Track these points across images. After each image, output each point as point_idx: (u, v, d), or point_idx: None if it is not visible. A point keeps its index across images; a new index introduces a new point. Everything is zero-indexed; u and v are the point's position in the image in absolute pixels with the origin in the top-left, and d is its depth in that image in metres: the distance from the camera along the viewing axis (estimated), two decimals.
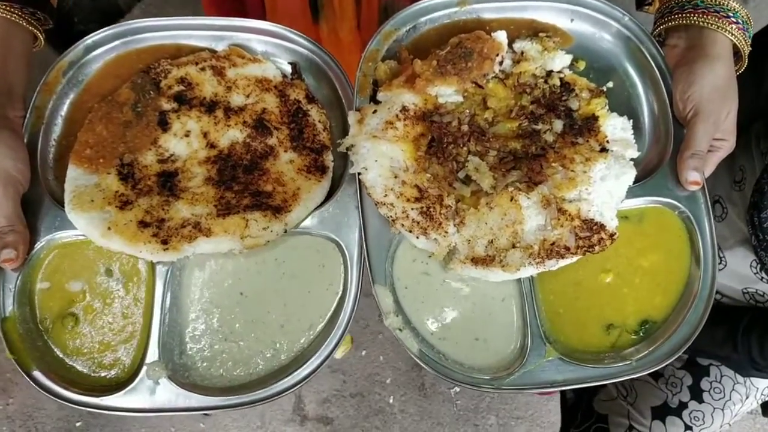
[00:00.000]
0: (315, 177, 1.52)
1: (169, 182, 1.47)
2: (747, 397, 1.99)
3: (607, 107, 1.55)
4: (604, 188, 1.43)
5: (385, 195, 1.40)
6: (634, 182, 1.46)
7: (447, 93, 1.52)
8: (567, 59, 1.59)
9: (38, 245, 1.46)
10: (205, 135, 1.53)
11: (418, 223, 1.39)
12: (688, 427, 1.98)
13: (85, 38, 1.58)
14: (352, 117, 1.49)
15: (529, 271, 1.39)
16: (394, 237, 1.47)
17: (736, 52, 1.53)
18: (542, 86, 1.56)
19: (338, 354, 1.73)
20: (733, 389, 1.96)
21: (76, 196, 1.43)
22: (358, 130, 1.47)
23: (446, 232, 1.40)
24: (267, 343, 1.47)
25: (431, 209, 1.40)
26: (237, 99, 1.58)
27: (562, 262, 1.40)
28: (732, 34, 1.48)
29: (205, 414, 1.90)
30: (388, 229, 1.45)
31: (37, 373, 1.39)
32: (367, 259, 1.44)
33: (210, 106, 1.56)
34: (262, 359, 1.47)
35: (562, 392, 2.30)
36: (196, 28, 1.62)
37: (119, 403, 1.40)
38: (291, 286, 1.49)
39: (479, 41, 1.53)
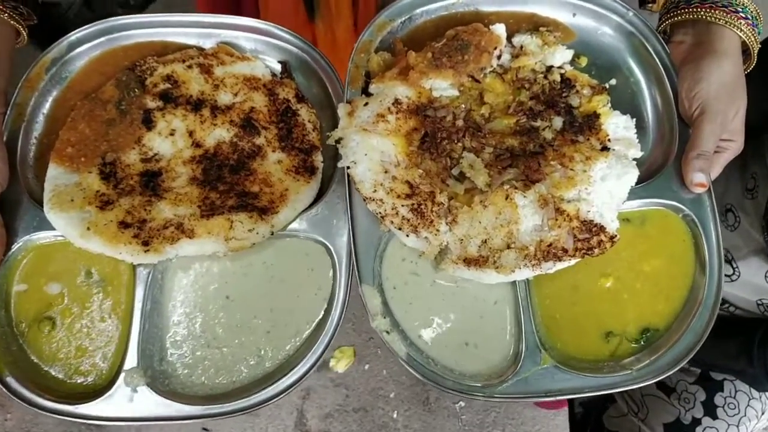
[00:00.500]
0: (303, 178, 1.54)
1: (152, 182, 1.49)
2: (763, 413, 1.97)
3: (609, 105, 1.56)
4: (605, 188, 1.44)
5: (375, 190, 1.41)
6: (637, 183, 1.47)
7: (442, 86, 1.54)
8: (568, 54, 1.60)
9: (15, 246, 1.48)
10: (190, 134, 1.55)
11: (409, 220, 1.40)
12: None
13: (68, 34, 1.60)
14: (342, 109, 1.50)
15: (524, 273, 1.39)
16: (384, 235, 1.47)
17: (745, 50, 1.54)
18: (542, 82, 1.57)
19: (341, 368, 1.75)
20: (748, 405, 1.94)
21: (56, 195, 1.45)
22: (348, 122, 1.48)
23: (438, 231, 1.41)
24: (251, 350, 1.48)
25: (422, 206, 1.40)
26: (224, 98, 1.60)
27: (560, 265, 1.40)
28: (741, 30, 1.49)
29: (204, 429, 1.90)
30: (377, 227, 1.47)
31: (9, 379, 1.40)
32: (354, 258, 1.45)
33: (196, 105, 1.58)
34: (246, 366, 1.47)
35: (571, 407, 2.28)
36: (184, 25, 1.65)
37: (95, 411, 1.40)
38: (279, 290, 1.50)
39: (477, 34, 1.54)
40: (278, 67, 1.66)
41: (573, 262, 1.41)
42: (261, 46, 1.66)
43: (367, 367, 1.91)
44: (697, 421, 1.98)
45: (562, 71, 1.59)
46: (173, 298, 1.50)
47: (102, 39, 1.63)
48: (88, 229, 1.40)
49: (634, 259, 1.51)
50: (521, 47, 1.60)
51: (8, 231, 1.47)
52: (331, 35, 2.01)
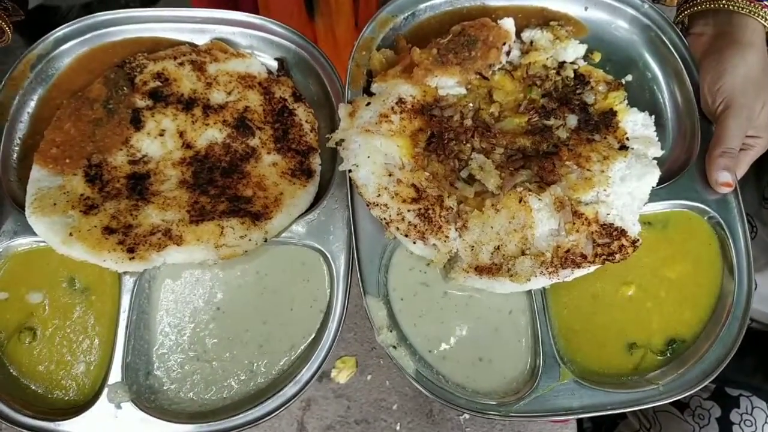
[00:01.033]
0: (300, 181, 1.39)
1: (139, 185, 1.35)
2: None
3: (626, 101, 1.41)
4: (625, 190, 1.30)
5: (379, 195, 1.26)
6: (658, 184, 1.33)
7: (448, 84, 1.40)
8: (581, 49, 1.46)
9: None
10: (181, 134, 1.41)
11: (416, 226, 1.25)
12: None
13: (55, 30, 1.47)
14: (343, 109, 1.36)
15: (540, 282, 1.25)
16: (389, 243, 1.33)
17: None
18: (554, 78, 1.43)
19: (342, 378, 1.62)
20: (765, 422, 1.78)
21: (38, 198, 1.32)
22: (349, 123, 1.34)
23: (447, 237, 1.25)
24: (243, 364, 1.33)
25: (430, 211, 1.26)
26: (217, 96, 1.46)
27: (578, 273, 1.26)
28: (765, 19, 1.35)
29: None
30: (382, 234, 1.31)
31: None
32: (357, 268, 1.30)
33: (188, 104, 1.44)
34: (237, 382, 1.33)
35: (579, 421, 2.12)
36: (176, 20, 1.52)
37: (76, 429, 1.26)
38: (272, 302, 1.36)
39: (484, 29, 1.41)
40: (275, 65, 1.53)
41: (592, 269, 1.27)
42: (257, 43, 1.52)
43: (369, 377, 1.78)
44: None
45: (576, 67, 1.46)
46: (161, 309, 1.36)
47: (90, 35, 1.50)
48: (71, 234, 1.27)
49: (657, 265, 1.36)
50: (531, 42, 1.47)
51: None
52: (331, 34, 1.86)
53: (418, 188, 1.27)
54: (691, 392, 1.26)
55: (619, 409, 1.26)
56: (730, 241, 1.34)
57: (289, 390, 1.28)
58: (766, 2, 1.34)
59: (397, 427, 1.74)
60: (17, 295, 1.34)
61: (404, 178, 1.27)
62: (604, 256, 1.24)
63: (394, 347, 1.26)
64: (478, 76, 1.40)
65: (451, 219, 1.26)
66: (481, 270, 1.23)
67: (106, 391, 1.27)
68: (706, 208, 1.36)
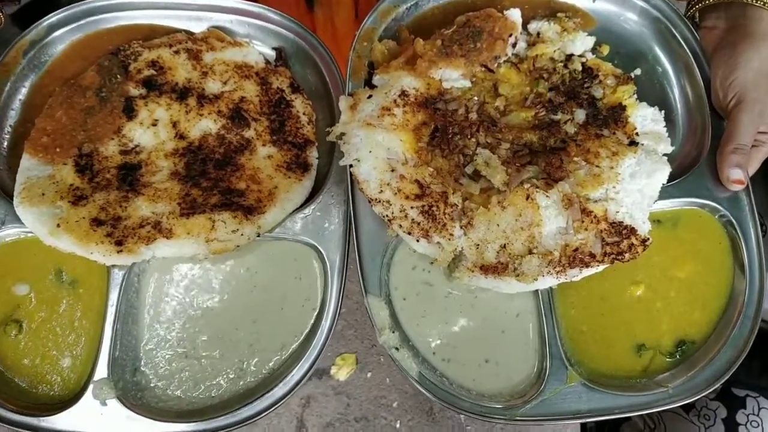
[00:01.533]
0: (296, 175, 1.29)
1: (130, 176, 1.24)
2: None
3: (636, 96, 1.31)
4: (635, 187, 1.20)
5: (381, 191, 1.16)
6: (668, 180, 1.22)
7: (453, 77, 1.29)
8: (589, 42, 1.36)
9: None
10: (174, 124, 1.31)
11: (419, 224, 1.15)
12: None
13: (48, 15, 1.37)
14: (343, 102, 1.26)
15: (547, 281, 1.15)
16: (391, 240, 1.22)
17: None
18: (561, 71, 1.33)
19: (342, 376, 1.53)
20: None
21: (27, 188, 1.22)
22: (350, 116, 1.23)
23: (451, 235, 1.15)
24: (233, 363, 1.23)
25: (434, 208, 1.15)
26: (213, 86, 1.35)
27: (586, 272, 1.16)
28: None
29: None
30: (384, 232, 1.21)
31: None
32: (358, 266, 1.20)
33: (182, 93, 1.33)
34: (226, 380, 1.23)
35: None
36: (173, 7, 1.41)
37: (60, 425, 1.17)
38: (262, 300, 1.25)
39: (490, 20, 1.30)
40: (273, 54, 1.42)
41: (601, 268, 1.17)
42: (255, 32, 1.42)
43: (369, 375, 1.68)
44: None
45: (584, 60, 1.35)
46: (150, 304, 1.26)
47: (84, 21, 1.39)
48: (58, 226, 1.18)
49: (667, 264, 1.27)
50: (538, 34, 1.36)
51: None
52: (330, 24, 1.75)
53: (422, 184, 1.17)
54: (702, 395, 1.17)
55: (627, 413, 1.17)
56: (742, 240, 1.25)
57: (279, 390, 1.19)
58: None
59: (397, 425, 1.66)
60: (3, 286, 1.24)
61: (407, 174, 1.17)
62: (614, 256, 1.15)
63: (397, 349, 1.17)
64: (483, 69, 1.30)
65: (456, 216, 1.15)
66: (486, 269, 1.13)
67: (91, 387, 1.17)
68: (717, 206, 1.26)
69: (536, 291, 1.21)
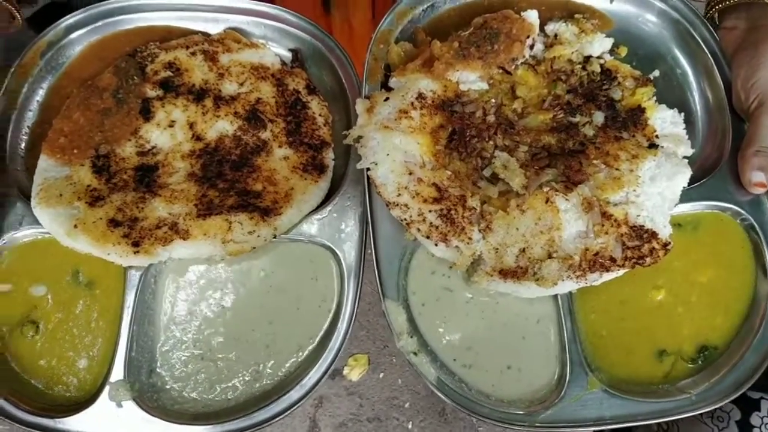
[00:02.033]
0: (312, 177, 1.23)
1: (147, 177, 1.19)
2: None
3: (655, 98, 1.24)
4: (655, 190, 1.14)
5: (399, 194, 1.10)
6: (688, 183, 1.16)
7: (470, 79, 1.23)
8: (608, 43, 1.29)
9: (0, 242, 1.20)
10: (191, 126, 1.25)
11: (437, 227, 1.09)
12: None
13: (66, 17, 1.32)
14: (360, 105, 1.20)
15: (567, 286, 1.09)
16: (409, 244, 1.17)
17: None
18: (580, 73, 1.26)
19: (355, 376, 1.51)
20: None
21: (44, 189, 1.18)
22: (367, 119, 1.17)
23: (470, 239, 1.09)
24: (249, 365, 1.18)
25: (452, 212, 1.10)
26: (229, 87, 1.30)
27: (607, 276, 1.10)
28: None
29: None
30: (402, 235, 1.15)
31: None
32: (376, 270, 1.14)
33: (199, 95, 1.27)
34: (242, 383, 1.18)
35: None
36: (190, 9, 1.36)
37: (75, 426, 1.12)
38: (278, 301, 1.20)
39: (507, 21, 1.24)
40: (289, 56, 1.36)
41: (621, 272, 1.11)
42: (271, 33, 1.36)
43: (381, 375, 1.65)
44: None
45: (602, 61, 1.28)
46: (166, 305, 1.20)
47: (101, 23, 1.34)
48: (75, 226, 1.13)
49: (688, 268, 1.20)
50: (555, 36, 1.30)
51: None
52: (347, 26, 1.69)
53: (440, 187, 1.11)
54: (725, 402, 1.10)
55: (650, 420, 1.11)
56: (764, 243, 1.18)
57: (296, 393, 1.13)
58: None
59: (409, 426, 1.63)
60: (20, 287, 1.19)
61: (425, 177, 1.11)
62: (634, 260, 1.09)
63: (415, 354, 1.11)
64: (500, 71, 1.23)
65: (475, 220, 1.09)
66: (505, 273, 1.07)
67: (107, 388, 1.12)
68: (739, 210, 1.20)
69: (556, 295, 1.15)
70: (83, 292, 1.19)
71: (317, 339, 1.18)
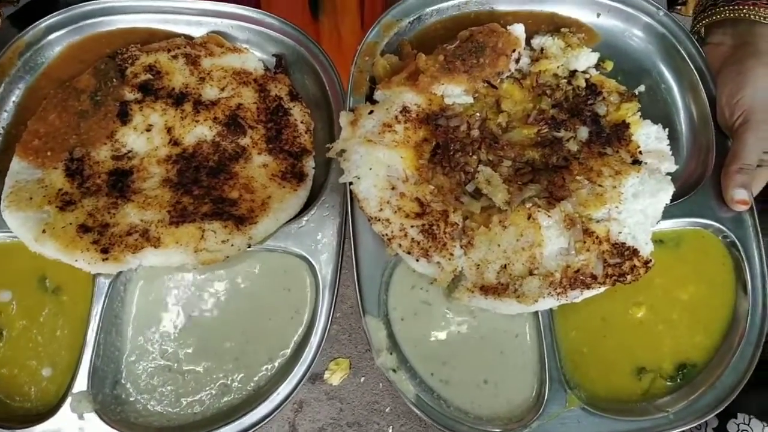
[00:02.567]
0: (290, 185, 1.17)
1: (120, 182, 1.13)
2: None
3: (639, 113, 1.20)
4: (638, 207, 1.10)
5: (381, 209, 1.05)
6: (671, 200, 1.12)
7: (455, 93, 1.18)
8: (593, 57, 1.24)
9: None
10: (168, 130, 1.19)
11: (419, 243, 1.04)
12: None
13: (46, 17, 1.26)
14: (344, 118, 1.14)
15: (548, 303, 1.04)
16: (390, 259, 1.11)
17: None
18: (565, 88, 1.22)
19: (335, 380, 1.48)
20: None
21: (14, 192, 1.12)
22: (350, 132, 1.12)
23: (451, 255, 1.04)
24: (217, 378, 1.12)
25: (434, 227, 1.05)
26: (210, 92, 1.23)
27: (588, 294, 1.06)
28: None
29: None
30: (383, 250, 1.10)
31: None
32: (357, 286, 1.08)
33: (178, 99, 1.21)
34: (209, 397, 1.11)
35: None
36: (173, 11, 1.30)
37: None
38: (249, 312, 1.14)
39: (493, 35, 1.19)
40: (272, 61, 1.30)
41: (602, 290, 1.06)
42: (255, 37, 1.30)
43: (362, 380, 1.61)
44: None
45: (587, 76, 1.24)
46: (135, 314, 1.14)
47: (82, 23, 1.28)
48: (44, 231, 1.06)
49: (669, 285, 1.15)
50: (541, 50, 1.25)
51: None
52: (336, 34, 1.62)
53: (423, 202, 1.06)
54: (703, 420, 1.06)
55: None
56: (745, 262, 1.14)
57: (264, 408, 1.07)
58: None
59: (390, 430, 1.59)
60: None
61: (408, 192, 1.06)
62: (615, 277, 1.05)
63: (394, 371, 1.05)
64: (485, 85, 1.18)
65: (456, 236, 1.04)
66: (486, 290, 1.02)
67: (69, 400, 1.05)
68: (721, 227, 1.15)
69: (536, 312, 1.09)
70: (49, 299, 1.12)
71: (288, 352, 1.12)
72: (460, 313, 1.10)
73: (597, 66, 1.26)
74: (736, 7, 1.16)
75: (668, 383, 1.12)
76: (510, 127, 1.19)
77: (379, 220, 1.04)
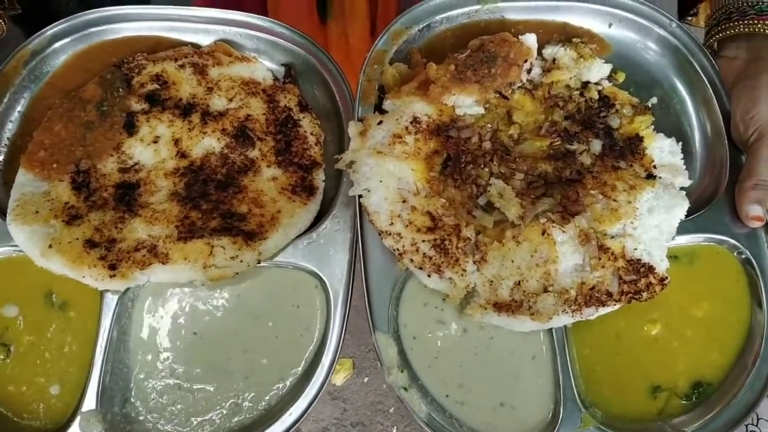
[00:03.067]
0: (300, 199, 1.13)
1: (127, 195, 1.09)
2: None
3: (653, 126, 1.16)
4: (653, 222, 1.06)
5: (391, 223, 1.01)
6: (685, 215, 1.08)
7: (466, 103, 1.14)
8: (606, 69, 1.20)
9: None
10: (176, 142, 1.15)
11: (431, 258, 1.00)
12: None
13: (51, 25, 1.21)
14: (353, 128, 1.10)
15: (562, 320, 1.00)
16: (401, 275, 1.07)
17: None
18: (577, 99, 1.18)
19: (339, 380, 1.43)
20: None
21: (21, 205, 1.07)
22: (360, 144, 1.08)
23: (464, 271, 1.00)
24: (227, 396, 1.07)
25: (446, 242, 1.01)
26: (218, 102, 1.19)
27: (602, 311, 1.02)
28: None
29: None
30: (393, 265, 1.06)
31: None
32: (366, 301, 1.04)
33: (185, 110, 1.17)
34: (220, 416, 1.06)
35: None
36: (179, 19, 1.25)
37: None
38: (258, 329, 1.09)
39: (505, 45, 1.15)
40: (281, 71, 1.26)
41: (617, 307, 1.02)
42: (264, 46, 1.25)
43: (366, 380, 1.57)
44: None
45: (600, 88, 1.20)
46: (143, 330, 1.09)
47: (88, 31, 1.24)
48: (50, 246, 1.02)
49: (684, 302, 1.11)
50: (553, 60, 1.21)
51: None
52: (344, 40, 1.57)
53: (434, 216, 1.02)
54: None
55: None
56: (760, 278, 1.10)
57: (276, 429, 1.03)
58: None
59: (394, 430, 1.54)
60: None
61: (419, 205, 1.02)
62: (631, 295, 1.01)
63: (405, 389, 1.01)
64: (497, 95, 1.14)
65: (469, 251, 1.00)
66: (499, 307, 0.98)
67: (78, 419, 1.01)
68: (736, 243, 1.11)
69: (550, 330, 1.05)
70: (56, 315, 1.08)
71: (300, 371, 1.07)
72: (475, 335, 1.06)
73: (609, 77, 1.21)
74: (750, 22, 1.13)
75: (684, 402, 1.08)
76: (522, 139, 1.15)
77: (390, 234, 1.00)
